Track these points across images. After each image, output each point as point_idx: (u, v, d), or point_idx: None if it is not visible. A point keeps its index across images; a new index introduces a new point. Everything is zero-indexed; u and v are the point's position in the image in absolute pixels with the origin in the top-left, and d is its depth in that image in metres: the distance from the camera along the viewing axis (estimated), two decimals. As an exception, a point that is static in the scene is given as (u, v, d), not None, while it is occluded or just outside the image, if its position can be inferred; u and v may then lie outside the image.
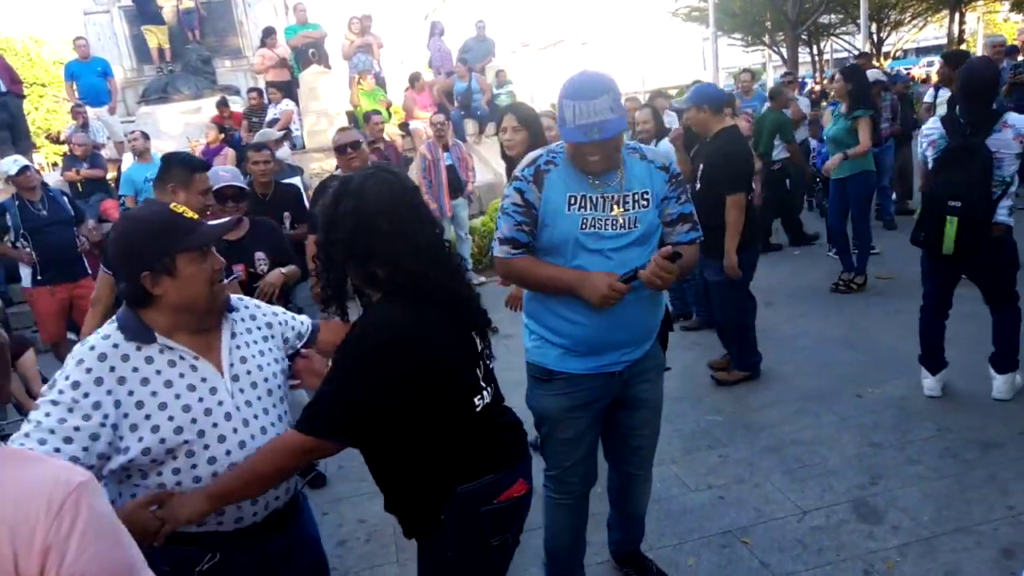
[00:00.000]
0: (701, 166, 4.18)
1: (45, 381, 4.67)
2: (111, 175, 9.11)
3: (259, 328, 1.78)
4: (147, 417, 1.50)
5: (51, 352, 5.57)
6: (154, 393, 1.52)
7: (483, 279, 7.73)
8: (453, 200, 7.29)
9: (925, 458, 3.31)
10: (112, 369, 1.50)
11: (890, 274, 6.22)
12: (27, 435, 1.42)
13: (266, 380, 1.69)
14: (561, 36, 48.39)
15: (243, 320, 1.75)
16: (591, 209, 2.11)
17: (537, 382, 2.35)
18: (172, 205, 1.63)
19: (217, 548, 1.60)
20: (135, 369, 1.52)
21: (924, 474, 3.19)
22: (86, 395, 1.46)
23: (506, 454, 1.76)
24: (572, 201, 2.10)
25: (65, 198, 5.75)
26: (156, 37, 11.28)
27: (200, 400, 1.56)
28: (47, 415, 1.44)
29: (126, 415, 1.49)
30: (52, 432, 1.42)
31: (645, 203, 2.14)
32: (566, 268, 2.13)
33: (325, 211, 1.65)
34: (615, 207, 2.11)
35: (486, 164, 10.27)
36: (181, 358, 1.58)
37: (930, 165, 3.63)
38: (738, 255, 4.05)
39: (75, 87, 10.33)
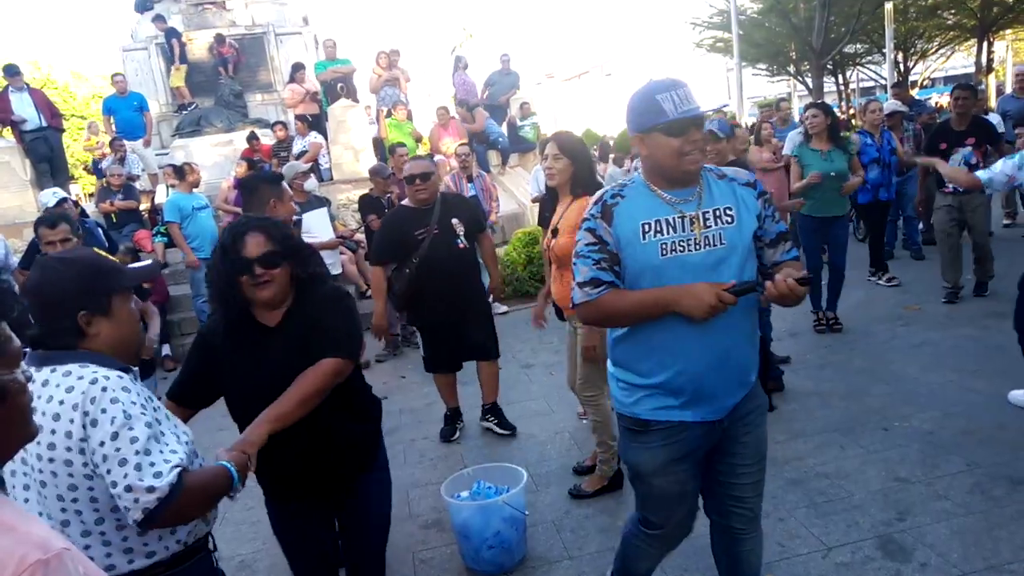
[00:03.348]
0: None
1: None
2: (144, 206, 9.37)
3: None
4: (171, 431, 1.61)
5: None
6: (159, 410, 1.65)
7: (505, 308, 7.77)
8: (477, 230, 7.37)
9: (953, 494, 3.24)
10: (132, 393, 1.56)
11: (917, 305, 6.14)
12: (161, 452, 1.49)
13: None
14: (585, 67, 48.93)
15: None
16: (669, 232, 1.98)
17: (631, 434, 2.17)
18: (95, 249, 1.81)
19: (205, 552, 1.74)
20: (139, 393, 1.58)
21: (952, 510, 3.12)
22: (146, 412, 1.55)
23: None
24: (646, 229, 1.99)
25: (100, 230, 5.92)
26: (177, 77, 11.62)
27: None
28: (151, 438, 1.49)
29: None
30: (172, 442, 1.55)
31: (729, 219, 2.01)
32: (658, 287, 1.98)
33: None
34: (695, 224, 1.98)
35: (510, 195, 10.39)
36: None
37: None
38: None
39: (112, 121, 10.69)
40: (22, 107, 9.16)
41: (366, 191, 7.34)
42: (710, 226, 1.99)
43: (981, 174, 3.93)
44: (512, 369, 5.88)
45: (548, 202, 4.75)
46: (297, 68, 10.91)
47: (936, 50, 26.49)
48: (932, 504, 3.19)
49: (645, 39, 45.39)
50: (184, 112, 11.60)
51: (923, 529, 3.01)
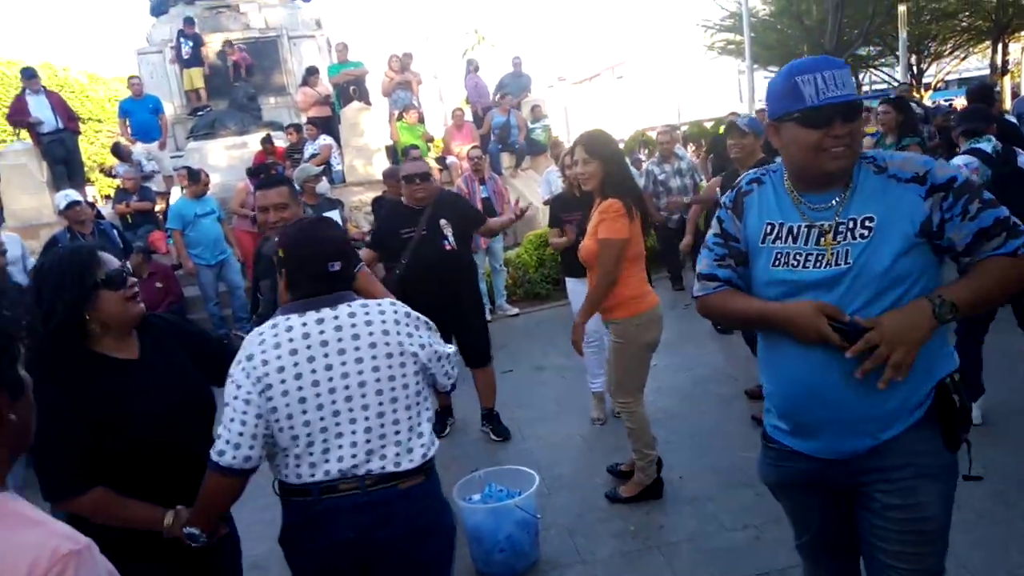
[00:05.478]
0: None
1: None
2: (159, 207, 9.43)
3: None
4: None
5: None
6: None
7: (516, 311, 7.76)
8: (488, 233, 7.36)
9: (972, 501, 3.19)
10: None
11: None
12: None
13: None
14: (597, 70, 48.88)
15: None
16: (788, 241, 1.69)
17: (762, 440, 1.95)
18: None
19: None
20: None
21: (972, 519, 3.07)
22: None
23: None
24: (768, 231, 1.72)
25: (115, 231, 5.97)
26: (192, 79, 11.66)
27: None
28: None
29: None
30: None
31: (865, 232, 1.60)
32: (761, 301, 1.74)
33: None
34: (823, 238, 1.64)
35: (522, 197, 10.35)
36: None
37: None
38: None
39: (128, 123, 10.78)
40: (39, 109, 9.25)
41: (379, 193, 7.36)
42: (840, 240, 1.63)
43: None
44: (524, 372, 5.87)
45: (559, 204, 4.76)
46: (311, 72, 10.96)
47: (950, 52, 26.27)
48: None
49: (657, 42, 45.32)
50: (199, 115, 11.68)
51: (940, 536, 2.97)
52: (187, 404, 1.97)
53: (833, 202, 1.65)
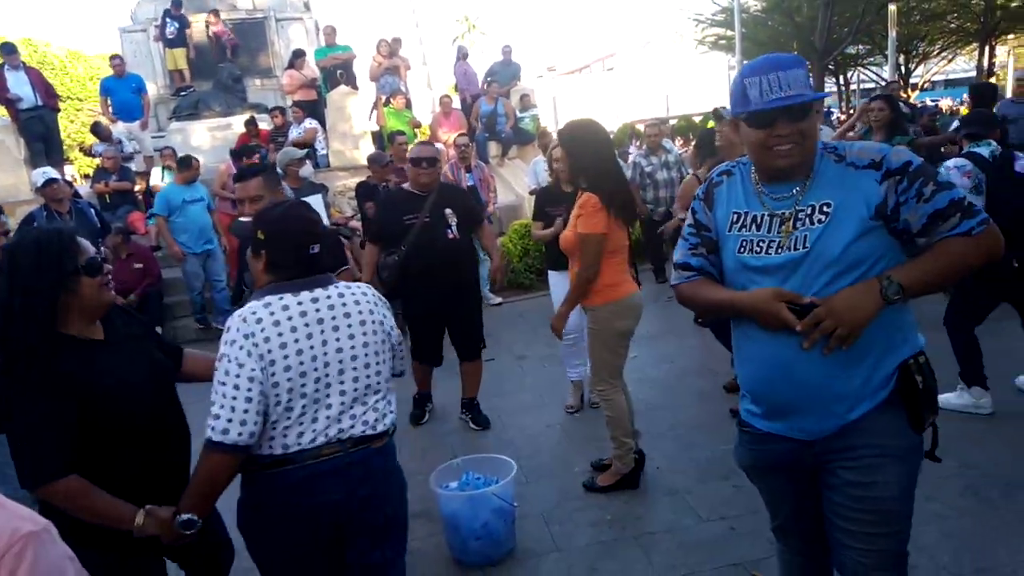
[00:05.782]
0: None
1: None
2: (139, 188, 9.30)
3: None
4: None
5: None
6: None
7: (500, 300, 7.75)
8: (473, 221, 7.31)
9: (944, 495, 3.22)
10: None
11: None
12: None
13: None
14: (586, 61, 48.83)
15: None
16: (753, 229, 1.78)
17: (737, 425, 2.01)
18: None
19: None
20: None
21: (943, 512, 3.10)
22: None
23: None
24: (735, 219, 1.81)
25: (92, 211, 5.88)
26: (176, 59, 11.45)
27: None
28: None
29: None
30: None
31: (822, 217, 1.67)
32: (729, 291, 1.84)
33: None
34: (784, 226, 1.72)
35: (508, 186, 10.34)
36: None
37: None
38: None
39: (109, 102, 10.60)
40: (18, 86, 9.06)
41: (363, 179, 7.30)
42: (799, 226, 1.70)
43: None
44: (506, 361, 5.86)
45: (544, 197, 4.74)
46: (298, 55, 10.81)
47: (938, 53, 26.47)
48: (921, 505, 3.12)
49: (647, 35, 45.30)
50: (182, 95, 11.51)
51: (912, 530, 2.98)
52: (156, 379, 2.01)
53: (794, 191, 1.73)
